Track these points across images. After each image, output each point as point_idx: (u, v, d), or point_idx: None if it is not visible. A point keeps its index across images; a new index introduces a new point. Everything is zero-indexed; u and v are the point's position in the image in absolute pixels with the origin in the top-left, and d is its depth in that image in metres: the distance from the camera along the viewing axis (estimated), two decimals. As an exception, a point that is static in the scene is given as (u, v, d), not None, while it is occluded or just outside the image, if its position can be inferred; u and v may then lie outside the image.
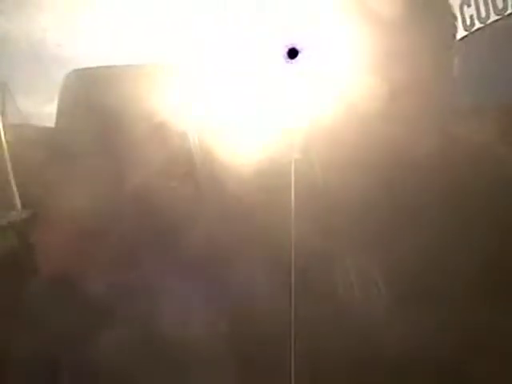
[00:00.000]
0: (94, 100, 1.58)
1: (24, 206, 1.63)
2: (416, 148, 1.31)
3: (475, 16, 1.94)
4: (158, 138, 1.53)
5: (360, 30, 1.36)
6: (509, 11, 1.86)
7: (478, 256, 1.23)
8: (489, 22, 1.93)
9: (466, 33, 1.95)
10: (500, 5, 1.89)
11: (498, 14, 1.90)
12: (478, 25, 1.95)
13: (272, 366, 1.29)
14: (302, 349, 1.27)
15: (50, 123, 1.67)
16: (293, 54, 1.50)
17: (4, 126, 1.67)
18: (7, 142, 1.59)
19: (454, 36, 1.46)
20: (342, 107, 1.33)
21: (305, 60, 1.46)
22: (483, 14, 1.93)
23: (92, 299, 1.39)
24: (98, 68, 1.71)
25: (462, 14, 1.95)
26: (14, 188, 1.61)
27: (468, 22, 1.96)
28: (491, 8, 1.90)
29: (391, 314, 1.26)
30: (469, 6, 1.96)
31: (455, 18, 1.47)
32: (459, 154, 1.33)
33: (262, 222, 1.36)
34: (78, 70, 1.68)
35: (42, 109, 1.71)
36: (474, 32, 1.96)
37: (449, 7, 1.44)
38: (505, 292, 1.24)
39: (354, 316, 1.28)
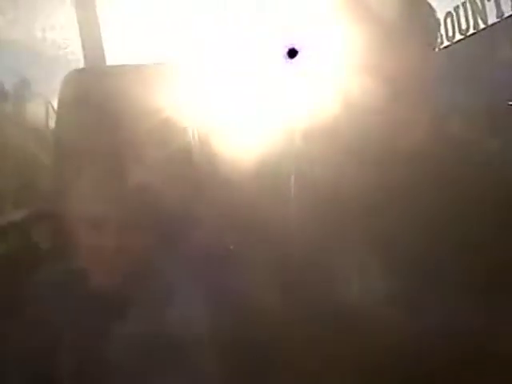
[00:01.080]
0: (94, 100, 1.58)
1: (25, 205, 1.62)
2: (408, 139, 1.34)
3: (444, 35, 2.09)
4: (158, 136, 1.54)
5: (357, 29, 1.40)
6: (470, 31, 2.01)
7: (467, 236, 1.27)
8: (455, 40, 2.14)
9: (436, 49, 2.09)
10: (464, 26, 2.11)
11: (461, 34, 2.11)
12: (446, 43, 2.14)
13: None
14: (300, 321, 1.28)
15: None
16: (292, 53, 1.53)
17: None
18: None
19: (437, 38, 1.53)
20: (339, 103, 1.36)
21: (304, 59, 1.49)
22: (450, 33, 2.08)
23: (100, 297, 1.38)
24: (98, 68, 1.71)
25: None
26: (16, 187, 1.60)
27: (438, 40, 2.10)
28: (457, 28, 2.06)
29: (388, 294, 1.28)
30: (439, 25, 2.11)
31: (438, 22, 1.54)
32: (447, 145, 1.36)
33: (263, 210, 1.38)
34: (78, 69, 1.68)
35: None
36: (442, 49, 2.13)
37: (433, 11, 1.50)
38: (495, 273, 1.27)
39: (351, 295, 1.31)
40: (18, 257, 1.53)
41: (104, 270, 1.41)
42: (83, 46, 1.73)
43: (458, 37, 2.12)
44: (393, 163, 1.33)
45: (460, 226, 1.28)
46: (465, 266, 1.26)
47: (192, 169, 1.57)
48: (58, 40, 1.73)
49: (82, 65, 1.70)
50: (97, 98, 1.58)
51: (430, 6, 1.48)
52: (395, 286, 1.28)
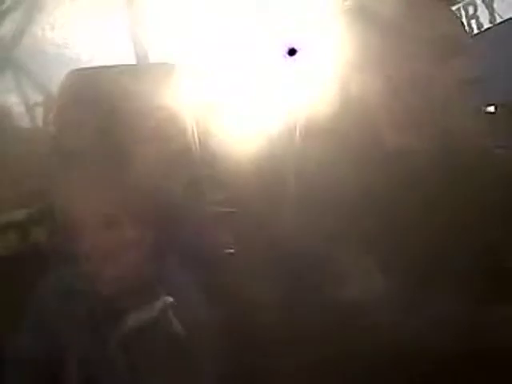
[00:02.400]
0: (93, 98, 1.58)
1: (25, 205, 1.62)
2: (409, 137, 1.34)
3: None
4: (158, 135, 1.54)
5: (357, 29, 1.40)
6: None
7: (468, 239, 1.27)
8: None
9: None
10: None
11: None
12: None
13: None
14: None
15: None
16: (292, 52, 1.54)
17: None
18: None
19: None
20: (339, 102, 1.36)
21: (304, 58, 1.50)
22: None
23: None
24: (98, 68, 1.72)
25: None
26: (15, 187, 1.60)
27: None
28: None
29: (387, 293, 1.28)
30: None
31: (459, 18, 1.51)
32: (448, 148, 1.37)
33: (262, 208, 1.38)
34: (78, 69, 1.68)
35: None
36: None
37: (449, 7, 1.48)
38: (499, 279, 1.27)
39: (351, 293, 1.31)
40: (21, 259, 1.53)
41: (107, 271, 1.40)
42: (134, 46, 1.75)
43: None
44: (393, 161, 1.33)
45: (467, 226, 1.28)
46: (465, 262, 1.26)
47: (192, 168, 1.57)
48: (58, 39, 1.74)
49: (82, 64, 1.71)
50: (96, 96, 1.59)
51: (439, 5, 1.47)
52: (395, 285, 1.29)
